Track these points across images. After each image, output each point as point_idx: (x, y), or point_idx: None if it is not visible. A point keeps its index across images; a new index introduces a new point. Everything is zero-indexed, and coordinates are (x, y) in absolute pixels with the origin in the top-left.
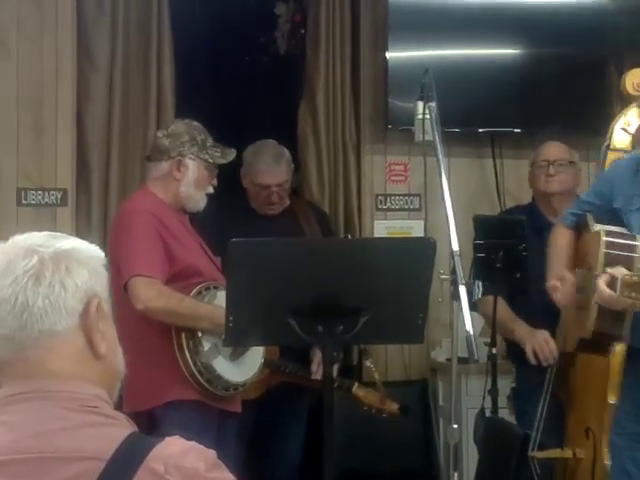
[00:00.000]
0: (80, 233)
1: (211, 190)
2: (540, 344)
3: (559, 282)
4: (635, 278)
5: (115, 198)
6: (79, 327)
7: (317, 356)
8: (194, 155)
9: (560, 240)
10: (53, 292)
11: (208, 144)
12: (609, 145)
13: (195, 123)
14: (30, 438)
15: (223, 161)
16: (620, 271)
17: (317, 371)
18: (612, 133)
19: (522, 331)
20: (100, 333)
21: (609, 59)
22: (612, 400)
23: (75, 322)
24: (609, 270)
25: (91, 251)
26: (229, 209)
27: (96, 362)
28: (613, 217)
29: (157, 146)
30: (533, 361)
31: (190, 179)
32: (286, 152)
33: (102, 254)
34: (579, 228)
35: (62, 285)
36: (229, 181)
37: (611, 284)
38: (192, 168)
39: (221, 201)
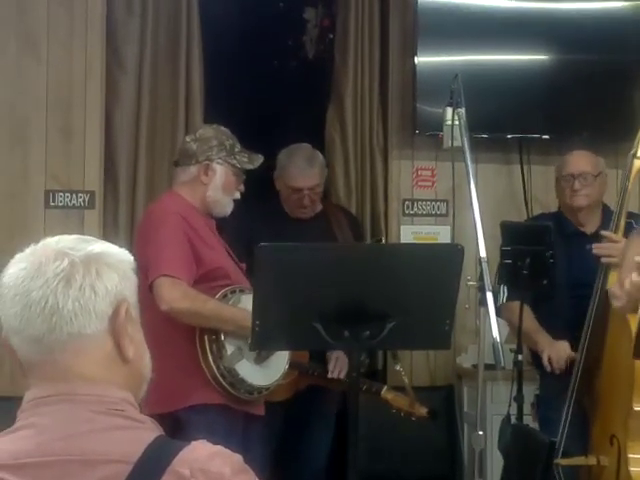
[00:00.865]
0: (107, 236)
1: (238, 195)
2: (557, 353)
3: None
4: None
5: (142, 201)
6: (108, 331)
7: (334, 356)
8: (222, 160)
9: (631, 250)
10: (83, 295)
11: (236, 149)
12: (635, 153)
13: (223, 128)
14: (58, 441)
15: (250, 166)
16: None
17: (333, 370)
18: (639, 141)
19: (543, 341)
20: (128, 337)
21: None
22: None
23: (104, 326)
24: (637, 258)
25: (121, 255)
26: (262, 213)
27: (123, 366)
28: None
29: (185, 150)
30: (548, 367)
31: (217, 184)
32: (319, 156)
33: (132, 258)
34: None
35: (92, 288)
36: (262, 185)
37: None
38: (220, 173)
39: (254, 205)
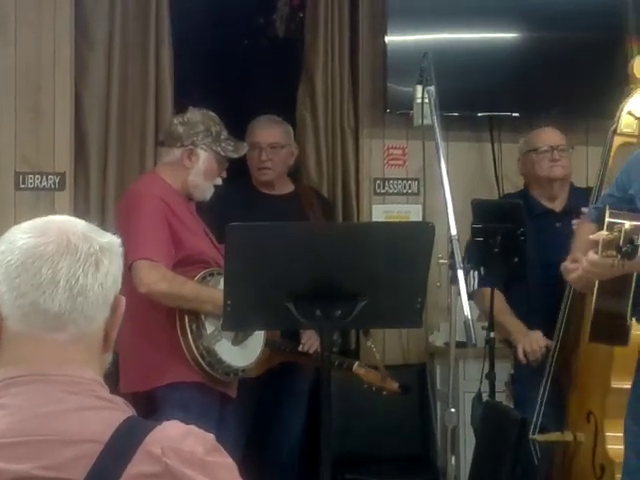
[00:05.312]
0: (78, 217)
1: (219, 182)
2: (531, 344)
3: (573, 264)
4: (611, 236)
5: (113, 182)
6: (105, 320)
7: (308, 331)
8: (206, 146)
9: (582, 233)
10: (106, 282)
11: (222, 137)
12: (616, 129)
13: (212, 114)
14: (29, 421)
15: (235, 155)
16: (604, 233)
17: (305, 344)
18: (619, 117)
19: (516, 332)
20: (116, 329)
21: (613, 43)
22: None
23: (107, 315)
24: (591, 236)
25: (119, 245)
26: (234, 193)
27: (102, 355)
28: (631, 206)
29: (171, 132)
30: (523, 360)
31: (200, 169)
32: (287, 125)
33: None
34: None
35: (112, 277)
36: (234, 163)
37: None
38: (203, 159)
39: (226, 185)
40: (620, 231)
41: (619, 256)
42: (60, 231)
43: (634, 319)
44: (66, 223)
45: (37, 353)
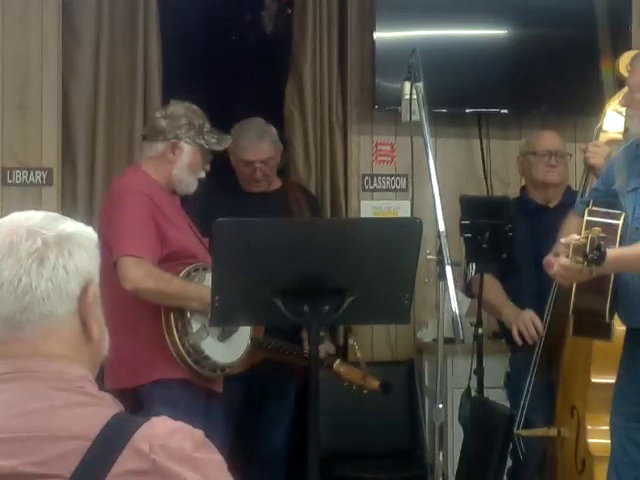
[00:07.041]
0: (66, 213)
1: (203, 175)
2: (525, 323)
3: (554, 258)
4: (580, 242)
5: (101, 178)
6: (76, 311)
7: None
8: (190, 139)
9: (567, 227)
10: (56, 276)
11: (205, 129)
12: (601, 126)
13: (194, 107)
14: (16, 417)
15: (219, 148)
16: (575, 237)
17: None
18: (605, 115)
19: (509, 312)
20: (94, 317)
21: (601, 40)
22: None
23: (74, 306)
24: (562, 240)
25: (89, 234)
26: (219, 189)
27: (87, 345)
28: (615, 200)
29: (154, 126)
30: (519, 341)
31: (184, 163)
32: (272, 130)
33: (96, 237)
34: None
35: (65, 269)
36: (220, 161)
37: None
38: (187, 152)
39: (212, 181)
40: (587, 237)
41: (585, 263)
42: (8, 232)
43: (616, 315)
44: (17, 221)
45: (15, 351)
